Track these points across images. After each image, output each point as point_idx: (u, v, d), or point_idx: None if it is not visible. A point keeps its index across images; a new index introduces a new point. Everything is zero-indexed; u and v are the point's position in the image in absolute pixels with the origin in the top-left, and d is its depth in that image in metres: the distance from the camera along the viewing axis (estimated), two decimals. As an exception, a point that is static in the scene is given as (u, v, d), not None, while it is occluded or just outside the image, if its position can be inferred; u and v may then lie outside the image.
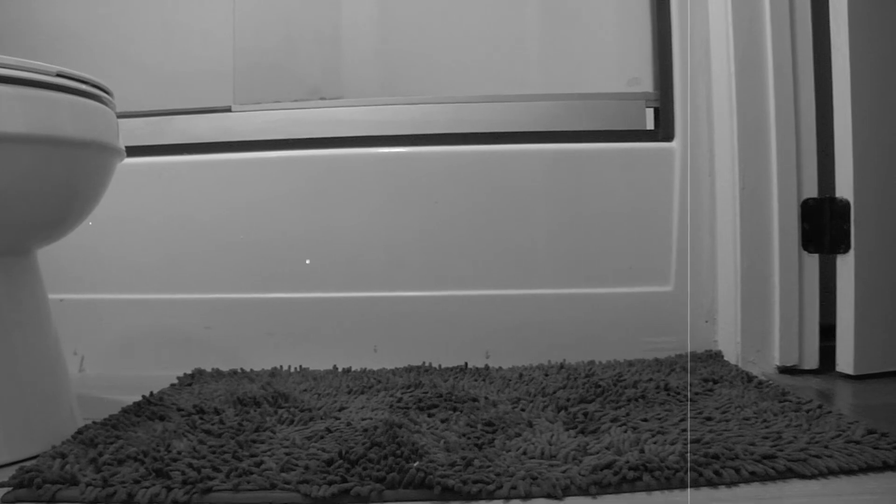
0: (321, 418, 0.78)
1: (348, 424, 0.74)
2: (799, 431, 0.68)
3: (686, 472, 0.59)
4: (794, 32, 1.06)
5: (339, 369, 1.10)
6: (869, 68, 1.00)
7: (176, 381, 1.02)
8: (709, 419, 0.74)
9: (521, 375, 0.98)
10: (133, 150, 1.11)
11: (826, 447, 0.64)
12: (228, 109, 1.22)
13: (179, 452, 0.65)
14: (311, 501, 0.57)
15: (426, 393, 0.88)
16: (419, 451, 0.64)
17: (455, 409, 0.80)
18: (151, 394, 0.90)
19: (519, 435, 0.70)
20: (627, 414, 0.77)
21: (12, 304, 0.74)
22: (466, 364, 1.09)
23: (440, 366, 1.09)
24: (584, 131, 1.17)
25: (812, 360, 1.07)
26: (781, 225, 1.06)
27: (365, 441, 0.66)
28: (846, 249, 1.01)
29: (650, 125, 1.19)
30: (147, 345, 1.17)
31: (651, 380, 0.93)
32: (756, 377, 0.93)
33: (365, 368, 1.11)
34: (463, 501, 0.58)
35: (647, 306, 1.14)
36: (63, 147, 0.71)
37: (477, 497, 0.58)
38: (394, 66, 1.29)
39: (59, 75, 0.70)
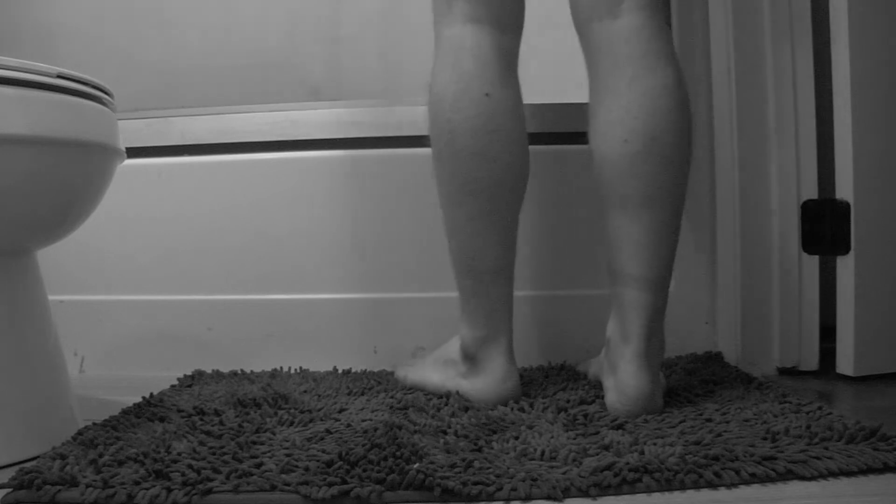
0: (321, 420, 0.78)
1: (348, 426, 0.74)
2: (799, 433, 0.67)
3: (686, 474, 0.59)
4: (793, 33, 1.06)
5: (340, 370, 1.10)
6: (869, 69, 1.00)
7: (176, 383, 1.02)
8: (709, 420, 0.74)
9: (521, 377, 0.98)
10: (133, 152, 1.11)
11: (826, 448, 0.64)
12: (230, 111, 1.21)
13: (179, 454, 0.65)
14: (310, 503, 0.57)
15: (426, 394, 0.88)
16: (419, 452, 0.64)
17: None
18: (151, 395, 0.90)
19: (518, 436, 0.70)
20: (627, 415, 0.77)
21: (12, 304, 0.74)
22: (466, 365, 1.08)
23: (440, 367, 1.09)
24: (584, 132, 1.16)
25: (812, 362, 1.07)
26: (781, 226, 1.06)
27: (365, 442, 0.66)
28: (846, 251, 1.01)
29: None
30: (147, 346, 1.17)
31: (651, 381, 0.93)
32: (756, 378, 0.93)
33: (365, 370, 1.11)
34: (463, 503, 0.58)
35: (647, 307, 1.14)
36: (63, 148, 0.71)
37: (477, 499, 0.58)
38: (395, 68, 1.29)
39: (59, 76, 0.70)
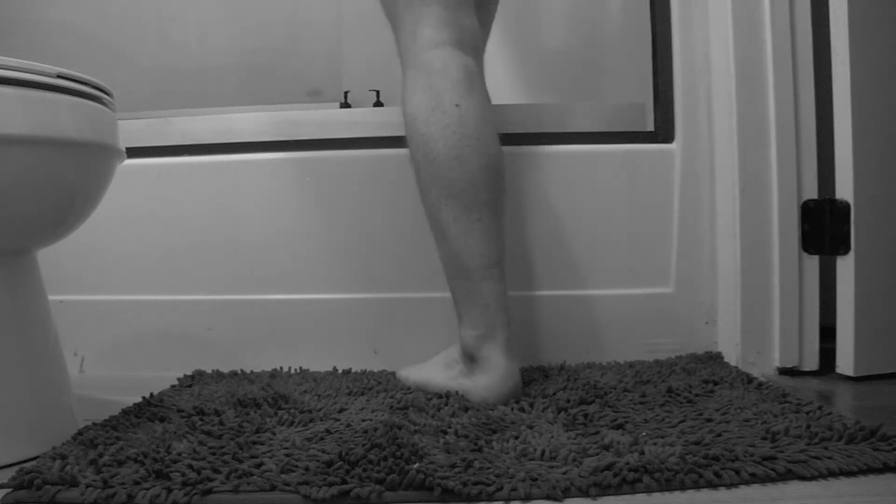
0: (321, 420, 0.78)
1: (348, 426, 0.74)
2: (799, 433, 0.68)
3: (686, 474, 0.59)
4: (794, 33, 1.06)
5: (340, 371, 1.10)
6: (869, 69, 1.00)
7: (176, 383, 1.02)
8: (709, 420, 0.74)
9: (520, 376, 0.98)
10: (133, 152, 1.11)
11: (826, 448, 0.64)
12: (230, 111, 1.21)
13: (179, 454, 0.65)
14: (310, 503, 0.57)
15: (427, 394, 0.88)
16: (419, 452, 0.64)
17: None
18: (152, 395, 0.90)
19: (518, 436, 0.70)
20: (627, 415, 0.77)
21: (12, 304, 0.74)
22: (466, 365, 1.08)
23: (440, 367, 1.09)
24: (584, 133, 1.16)
25: (812, 362, 1.07)
26: (781, 226, 1.06)
27: (365, 442, 0.66)
28: (846, 251, 1.01)
29: (650, 126, 1.19)
30: (147, 346, 1.17)
31: (651, 381, 0.93)
32: (756, 378, 0.93)
33: (365, 370, 1.11)
34: (463, 503, 0.58)
35: (647, 307, 1.14)
36: (63, 148, 0.71)
37: (477, 499, 0.58)
38: (394, 68, 1.29)
39: (59, 76, 0.70)
